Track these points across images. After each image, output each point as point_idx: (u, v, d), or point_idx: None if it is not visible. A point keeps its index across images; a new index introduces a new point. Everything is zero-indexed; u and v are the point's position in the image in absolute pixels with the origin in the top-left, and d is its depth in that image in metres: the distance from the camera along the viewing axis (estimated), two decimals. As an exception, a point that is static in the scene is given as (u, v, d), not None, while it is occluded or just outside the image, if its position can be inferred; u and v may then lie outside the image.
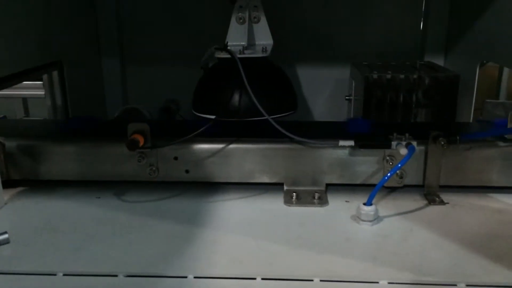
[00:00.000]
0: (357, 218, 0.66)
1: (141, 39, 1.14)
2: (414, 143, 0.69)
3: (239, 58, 0.74)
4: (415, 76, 0.90)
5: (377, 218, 0.66)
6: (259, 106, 0.69)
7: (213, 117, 0.74)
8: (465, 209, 0.70)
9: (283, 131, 0.70)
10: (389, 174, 0.66)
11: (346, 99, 1.03)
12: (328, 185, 0.77)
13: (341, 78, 1.12)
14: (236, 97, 0.74)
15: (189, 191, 0.77)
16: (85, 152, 0.77)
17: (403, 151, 0.67)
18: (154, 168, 0.75)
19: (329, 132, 0.86)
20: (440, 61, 1.08)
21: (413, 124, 0.92)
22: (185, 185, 0.78)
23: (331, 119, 1.14)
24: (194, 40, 1.10)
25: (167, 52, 1.13)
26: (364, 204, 0.66)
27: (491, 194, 0.74)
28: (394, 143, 0.70)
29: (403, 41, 1.10)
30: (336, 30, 1.12)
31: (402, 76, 0.90)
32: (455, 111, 0.89)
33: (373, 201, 0.67)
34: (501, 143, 0.73)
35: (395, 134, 0.72)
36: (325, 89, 1.15)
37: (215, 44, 0.86)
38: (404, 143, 0.69)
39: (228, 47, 0.85)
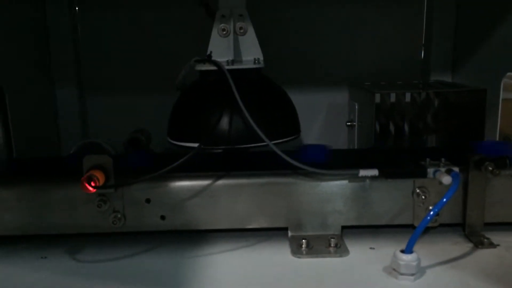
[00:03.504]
0: (394, 270, 0.50)
1: (101, 64, 0.98)
2: (457, 169, 0.54)
3: (227, 70, 0.59)
4: (430, 93, 0.76)
5: (419, 271, 0.50)
6: (257, 129, 0.53)
7: (195, 145, 0.57)
8: (525, 253, 0.55)
9: (291, 160, 0.53)
10: (433, 212, 0.50)
11: (348, 125, 0.89)
12: (343, 228, 0.61)
13: (336, 102, 0.98)
14: (225, 119, 0.57)
15: (166, 243, 0.59)
16: (27, 198, 0.58)
17: (446, 179, 0.52)
18: (119, 215, 0.57)
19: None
20: (447, 79, 0.96)
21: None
22: (160, 236, 0.60)
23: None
24: (163, 62, 0.95)
25: (132, 77, 0.97)
26: (402, 251, 0.50)
27: (545, 231, 0.60)
28: (430, 171, 0.55)
29: (403, 60, 0.98)
30: (330, 52, 0.99)
31: (420, 94, 0.76)
32: (483, 131, 0.76)
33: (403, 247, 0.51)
34: (555, 167, 0.59)
35: (428, 160, 0.57)
36: (319, 115, 1.00)
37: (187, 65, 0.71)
38: (443, 169, 0.54)
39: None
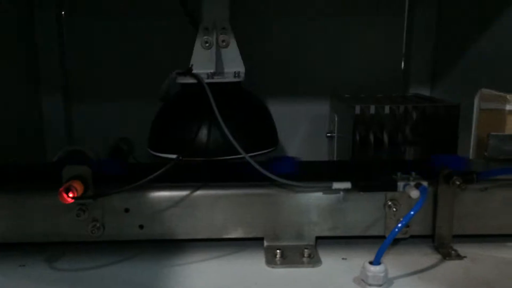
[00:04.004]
0: (362, 281, 0.52)
1: (88, 72, 0.99)
2: (425, 183, 0.56)
3: (207, 83, 0.60)
4: (411, 107, 0.78)
5: (387, 282, 0.52)
6: (234, 142, 0.55)
7: (174, 156, 0.58)
8: (490, 265, 0.57)
9: (266, 173, 0.55)
10: (401, 224, 0.52)
11: (327, 137, 0.91)
12: (318, 238, 0.62)
13: (318, 113, 1.00)
14: (203, 131, 0.59)
15: (145, 252, 0.60)
16: (7, 206, 0.59)
17: (415, 193, 0.54)
18: (98, 225, 0.58)
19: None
20: (426, 93, 0.98)
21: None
22: (139, 245, 0.61)
23: (310, 159, 1.01)
24: (149, 71, 0.96)
25: (119, 86, 0.98)
26: (371, 263, 0.52)
27: (510, 244, 0.62)
28: (400, 184, 0.57)
29: (385, 73, 1.01)
30: (312, 63, 1.01)
31: (398, 107, 0.78)
32: (456, 146, 0.78)
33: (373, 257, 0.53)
34: (521, 182, 0.61)
35: (399, 174, 0.59)
36: (301, 126, 1.02)
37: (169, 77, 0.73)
38: (413, 183, 0.56)
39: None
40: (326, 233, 0.62)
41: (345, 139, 0.82)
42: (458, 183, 0.57)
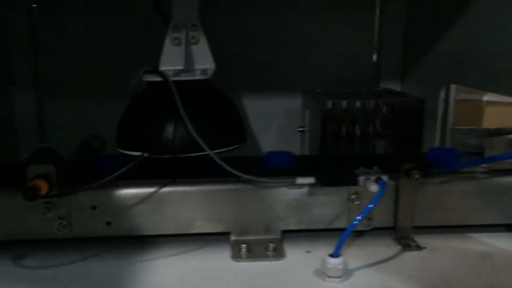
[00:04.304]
0: (323, 273, 0.53)
1: (60, 68, 0.98)
2: (385, 178, 0.58)
3: (173, 81, 0.61)
4: (378, 102, 0.80)
5: (346, 273, 0.53)
6: (198, 139, 0.56)
7: (139, 154, 0.59)
8: (446, 255, 0.59)
9: (230, 169, 0.57)
10: (359, 217, 0.53)
11: (299, 131, 0.92)
12: (284, 232, 0.64)
13: (292, 108, 1.01)
14: (169, 129, 0.60)
15: (112, 249, 0.61)
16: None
17: (374, 188, 0.56)
18: (64, 222, 0.59)
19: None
20: (396, 88, 1.00)
21: (380, 155, 0.82)
22: (106, 242, 0.62)
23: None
24: (121, 68, 0.95)
25: (91, 82, 0.98)
26: (331, 255, 0.53)
27: (470, 234, 0.64)
28: (361, 179, 0.58)
29: (356, 68, 1.02)
30: (285, 59, 1.01)
31: (363, 103, 0.80)
32: (421, 139, 0.80)
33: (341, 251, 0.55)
34: (480, 175, 0.63)
35: (361, 168, 0.61)
36: (275, 121, 1.03)
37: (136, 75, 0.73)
38: (373, 178, 0.58)
39: (161, 69, 0.73)
40: (292, 227, 0.63)
41: (316, 134, 0.83)
42: (417, 177, 0.58)
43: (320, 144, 0.79)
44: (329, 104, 0.80)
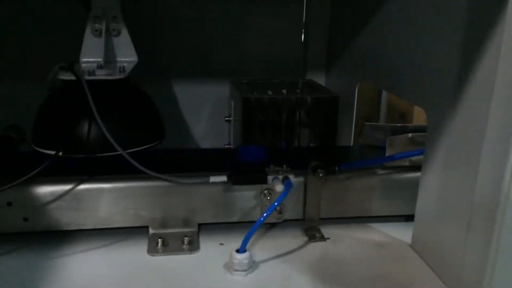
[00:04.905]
0: (230, 267, 0.58)
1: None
2: (292, 177, 0.63)
3: (88, 80, 0.61)
4: (294, 97, 0.84)
5: (252, 266, 0.58)
6: (110, 139, 0.57)
7: (53, 152, 0.60)
8: (346, 245, 0.65)
9: (142, 168, 0.59)
10: (265, 214, 0.58)
11: (226, 120, 0.95)
12: (201, 225, 0.67)
13: (221, 96, 1.03)
14: (83, 129, 0.61)
15: (29, 244, 0.62)
16: None
17: (279, 187, 0.60)
18: (-22, 220, 0.59)
19: (214, 162, 0.77)
20: (322, 79, 1.04)
21: (297, 149, 0.86)
22: (23, 237, 0.63)
23: (212, 142, 1.05)
24: (47, 56, 0.93)
25: (14, 69, 0.95)
26: (237, 251, 0.57)
27: (371, 224, 0.70)
28: (270, 178, 0.63)
29: (285, 57, 1.05)
30: (215, 48, 1.02)
31: (280, 97, 0.84)
32: (335, 134, 0.85)
33: (249, 242, 0.59)
34: (380, 171, 0.69)
35: (272, 166, 0.65)
36: (204, 109, 1.05)
37: (71, 57, 0.72)
38: (280, 177, 0.62)
39: (83, 64, 0.72)
40: (208, 220, 0.67)
41: (239, 124, 0.86)
42: (321, 175, 0.63)
43: (242, 135, 0.82)
44: (249, 95, 0.83)
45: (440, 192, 0.57)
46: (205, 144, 1.08)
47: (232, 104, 0.92)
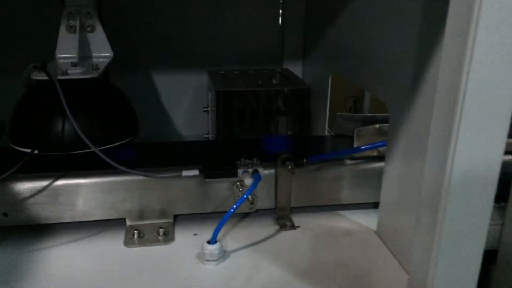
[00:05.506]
0: (202, 257, 0.61)
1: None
2: (261, 170, 0.65)
3: (61, 80, 0.63)
4: (267, 90, 0.86)
5: (223, 256, 0.61)
6: (83, 137, 0.60)
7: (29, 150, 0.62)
8: (315, 233, 0.68)
9: (115, 165, 0.61)
10: (234, 206, 0.61)
11: (204, 111, 0.97)
12: (177, 216, 0.70)
13: (202, 84, 1.05)
14: (58, 127, 0.62)
15: (9, 238, 0.65)
16: None
17: (248, 181, 0.63)
18: (-42, 216, 0.62)
19: (190, 154, 0.80)
20: (299, 68, 1.06)
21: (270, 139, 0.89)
22: (4, 231, 0.65)
23: (194, 130, 1.07)
24: (26, 47, 0.94)
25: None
26: (209, 242, 0.60)
27: (341, 212, 0.73)
28: (240, 171, 0.65)
29: (263, 46, 1.06)
30: (192, 34, 1.03)
31: (253, 89, 0.86)
32: (309, 125, 0.87)
33: (223, 231, 0.62)
34: (349, 161, 0.72)
35: (242, 160, 0.67)
36: (185, 98, 1.06)
37: (52, 51, 0.74)
38: (250, 170, 0.65)
39: (59, 60, 0.74)
40: (183, 211, 0.70)
41: (215, 115, 0.88)
42: (290, 167, 0.66)
43: (216, 126, 0.85)
44: (223, 89, 0.85)
45: (400, 181, 0.60)
46: (186, 132, 1.10)
47: (209, 95, 0.94)
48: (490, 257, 0.62)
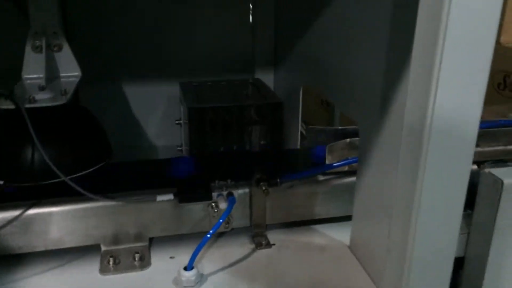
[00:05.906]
0: (179, 283, 0.61)
1: None
2: (236, 191, 0.66)
3: (28, 108, 0.62)
4: (238, 105, 0.86)
5: (200, 281, 0.61)
6: (53, 166, 0.59)
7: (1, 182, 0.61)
8: (290, 251, 0.69)
9: (86, 193, 0.60)
10: (211, 231, 0.61)
11: (177, 124, 0.96)
12: (152, 239, 0.70)
13: (174, 95, 1.04)
14: (27, 157, 0.61)
15: (-19, 271, 0.64)
16: None
17: (223, 205, 0.63)
18: None
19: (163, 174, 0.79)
20: (270, 77, 1.06)
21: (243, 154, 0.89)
22: (-25, 264, 0.64)
23: (167, 141, 1.06)
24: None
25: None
26: (185, 268, 0.61)
27: (315, 227, 0.75)
28: (214, 195, 0.66)
29: (235, 55, 1.06)
30: (162, 44, 1.02)
31: (224, 105, 0.86)
32: (281, 137, 0.88)
33: (199, 254, 0.62)
34: (321, 177, 0.73)
35: (216, 182, 0.68)
36: (157, 108, 1.05)
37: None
38: (225, 193, 0.65)
39: (25, 80, 0.72)
40: (159, 234, 0.70)
41: (187, 129, 0.88)
42: (264, 188, 0.66)
43: (189, 140, 0.85)
44: (194, 106, 0.85)
45: (370, 195, 0.62)
46: (159, 142, 1.10)
47: (181, 109, 0.93)
48: (457, 264, 0.65)
